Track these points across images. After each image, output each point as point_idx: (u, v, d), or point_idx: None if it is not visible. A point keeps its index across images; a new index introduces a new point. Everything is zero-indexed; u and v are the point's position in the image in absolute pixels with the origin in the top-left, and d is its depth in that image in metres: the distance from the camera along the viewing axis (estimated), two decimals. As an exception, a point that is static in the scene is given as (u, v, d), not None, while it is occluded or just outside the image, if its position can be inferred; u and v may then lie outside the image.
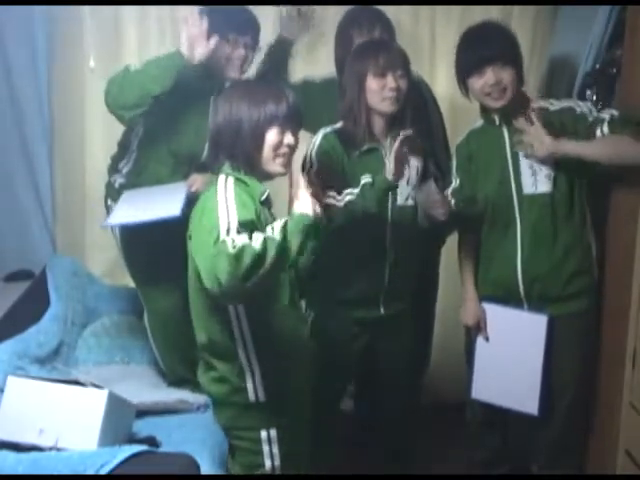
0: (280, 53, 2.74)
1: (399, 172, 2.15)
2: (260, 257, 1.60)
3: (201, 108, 2.44)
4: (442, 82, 3.12)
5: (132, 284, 2.81)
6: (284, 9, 2.77)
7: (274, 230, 1.69)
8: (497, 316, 2.39)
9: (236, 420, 1.91)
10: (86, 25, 3.03)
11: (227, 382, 1.87)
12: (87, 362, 2.63)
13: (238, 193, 1.78)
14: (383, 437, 2.58)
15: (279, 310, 1.86)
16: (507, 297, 2.36)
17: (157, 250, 2.48)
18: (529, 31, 3.05)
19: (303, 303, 2.32)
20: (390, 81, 2.20)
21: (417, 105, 2.41)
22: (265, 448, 1.89)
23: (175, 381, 2.61)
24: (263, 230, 1.75)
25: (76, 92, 3.04)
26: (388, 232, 2.30)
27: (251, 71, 2.59)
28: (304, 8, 2.73)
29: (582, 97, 2.62)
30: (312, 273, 2.17)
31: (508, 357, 2.38)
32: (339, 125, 2.32)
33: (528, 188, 2.27)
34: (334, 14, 2.99)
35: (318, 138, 2.31)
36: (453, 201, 2.39)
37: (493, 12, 2.98)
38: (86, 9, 3.01)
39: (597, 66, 2.62)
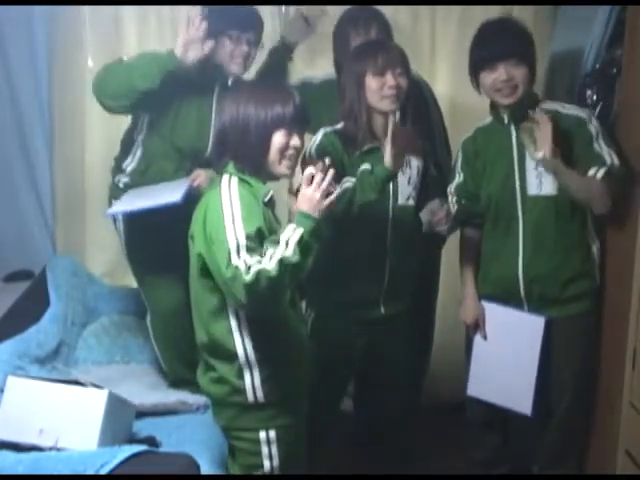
0: (281, 55, 2.74)
1: (397, 161, 2.14)
2: (277, 281, 1.67)
3: (203, 103, 2.46)
4: (442, 81, 3.13)
5: (132, 284, 2.81)
6: (290, 13, 2.77)
7: (288, 246, 1.70)
8: (496, 315, 2.39)
9: (235, 421, 1.91)
10: (86, 25, 3.03)
11: (226, 383, 1.87)
12: (87, 362, 2.63)
13: (242, 195, 1.78)
14: (383, 437, 2.58)
15: (279, 311, 1.85)
16: (507, 297, 2.36)
17: (160, 250, 2.48)
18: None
19: (303, 303, 2.34)
20: (389, 79, 2.19)
21: (417, 104, 2.42)
22: (264, 449, 1.89)
23: (176, 381, 2.61)
24: (271, 232, 1.77)
25: (76, 92, 3.04)
26: (389, 232, 2.30)
27: (252, 69, 2.60)
28: (311, 15, 2.73)
29: (582, 97, 2.62)
30: (312, 273, 2.19)
31: (505, 356, 2.38)
32: (340, 125, 2.32)
33: (533, 189, 2.26)
34: (332, 14, 3.00)
35: (318, 136, 2.30)
36: (455, 197, 2.39)
37: (493, 12, 2.97)
38: (86, 9, 3.01)
39: (597, 66, 2.61)
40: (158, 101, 2.41)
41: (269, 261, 1.67)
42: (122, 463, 1.72)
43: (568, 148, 2.21)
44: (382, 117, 2.25)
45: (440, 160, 2.64)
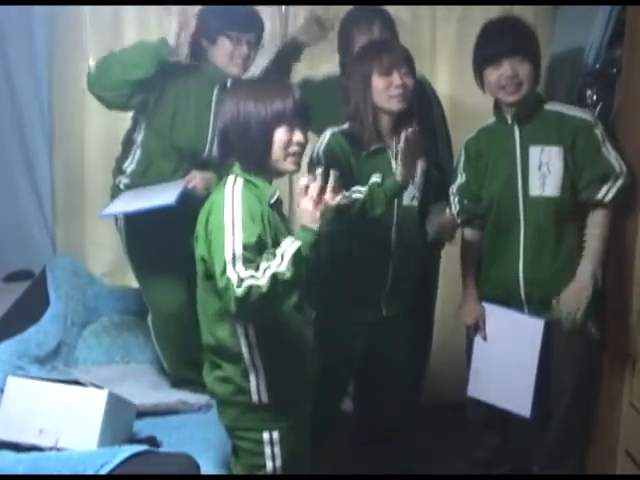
0: (290, 56, 2.74)
1: (408, 174, 2.15)
2: (268, 296, 1.66)
3: (202, 103, 2.46)
4: (442, 81, 3.13)
5: (132, 284, 2.81)
6: (304, 15, 2.76)
7: (283, 260, 1.68)
8: (496, 316, 2.39)
9: (239, 420, 1.90)
10: (86, 25, 3.03)
11: (232, 382, 1.86)
12: (87, 362, 2.63)
13: (246, 199, 1.76)
14: (383, 437, 2.58)
15: (285, 313, 1.84)
16: (508, 299, 2.36)
17: (161, 250, 2.48)
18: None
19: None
20: (396, 79, 2.19)
21: (422, 103, 2.42)
22: (267, 450, 1.88)
23: (177, 381, 2.61)
24: (277, 235, 1.77)
25: (76, 92, 3.04)
26: (393, 232, 2.30)
27: (257, 70, 2.59)
28: (326, 19, 2.72)
29: (582, 97, 2.62)
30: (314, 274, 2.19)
31: (504, 358, 2.38)
32: (346, 126, 2.31)
33: (535, 190, 2.26)
34: (335, 12, 3.00)
35: (326, 137, 2.30)
36: (457, 198, 2.39)
37: (493, 12, 2.97)
38: (86, 9, 3.01)
39: (597, 66, 2.61)
40: (157, 101, 2.42)
41: (262, 276, 1.66)
42: (122, 463, 1.71)
43: (573, 151, 2.22)
44: (388, 117, 2.27)
45: (442, 160, 2.64)
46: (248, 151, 1.82)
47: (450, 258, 2.68)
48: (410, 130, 2.11)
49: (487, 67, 2.25)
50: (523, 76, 2.21)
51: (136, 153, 2.53)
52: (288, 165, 1.84)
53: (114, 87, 2.36)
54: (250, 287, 1.64)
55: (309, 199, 1.76)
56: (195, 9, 2.35)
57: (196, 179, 2.40)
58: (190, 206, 2.25)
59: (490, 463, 2.57)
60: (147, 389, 2.49)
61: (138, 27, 3.05)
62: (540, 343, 2.29)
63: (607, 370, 2.44)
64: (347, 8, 2.73)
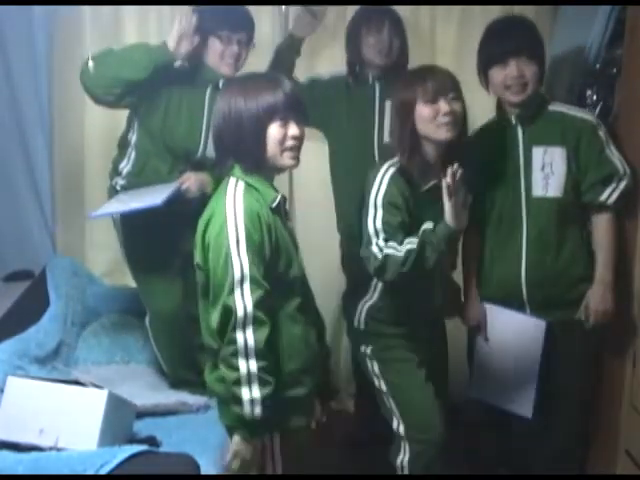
0: (289, 51, 2.74)
1: (461, 215, 2.01)
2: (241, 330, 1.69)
3: (194, 104, 2.46)
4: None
5: (132, 284, 2.81)
6: (296, 9, 2.77)
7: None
8: (497, 317, 2.39)
9: (239, 420, 1.89)
10: (86, 25, 3.03)
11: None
12: (87, 362, 2.63)
13: (248, 205, 1.73)
14: (383, 437, 2.57)
15: (287, 315, 1.81)
16: (509, 299, 2.35)
17: (158, 251, 2.49)
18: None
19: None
20: (443, 106, 2.04)
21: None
22: (267, 450, 1.86)
23: (176, 382, 2.61)
24: (278, 241, 1.75)
25: (76, 92, 3.03)
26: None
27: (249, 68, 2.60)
28: (318, 8, 2.73)
29: (582, 97, 2.62)
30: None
31: (506, 358, 2.38)
32: (395, 160, 2.14)
33: (538, 191, 2.25)
34: (336, 11, 3.01)
35: (384, 181, 2.11)
36: None
37: (493, 12, 2.97)
38: (86, 9, 3.01)
39: (597, 66, 2.61)
40: (147, 100, 2.42)
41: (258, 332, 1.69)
42: (122, 463, 1.71)
43: (577, 152, 2.22)
44: (437, 147, 2.11)
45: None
46: (243, 150, 1.77)
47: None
48: (455, 168, 1.97)
49: (493, 67, 2.24)
50: (529, 76, 2.20)
51: (131, 154, 2.53)
52: (286, 160, 1.80)
53: (106, 84, 2.36)
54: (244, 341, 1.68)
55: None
56: (193, 16, 2.35)
57: (190, 180, 2.40)
58: (186, 206, 2.26)
59: (490, 463, 2.57)
60: (147, 390, 2.48)
61: (138, 27, 3.05)
62: (542, 344, 2.29)
63: (607, 370, 2.44)
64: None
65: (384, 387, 2.24)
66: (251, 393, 1.69)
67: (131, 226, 2.51)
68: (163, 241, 2.44)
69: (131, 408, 2.08)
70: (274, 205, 1.80)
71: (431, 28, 3.12)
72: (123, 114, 2.59)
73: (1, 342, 2.23)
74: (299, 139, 1.80)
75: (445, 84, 2.08)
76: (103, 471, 1.68)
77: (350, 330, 2.34)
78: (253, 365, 1.68)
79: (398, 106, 2.14)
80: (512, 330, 2.35)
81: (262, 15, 2.93)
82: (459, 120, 2.08)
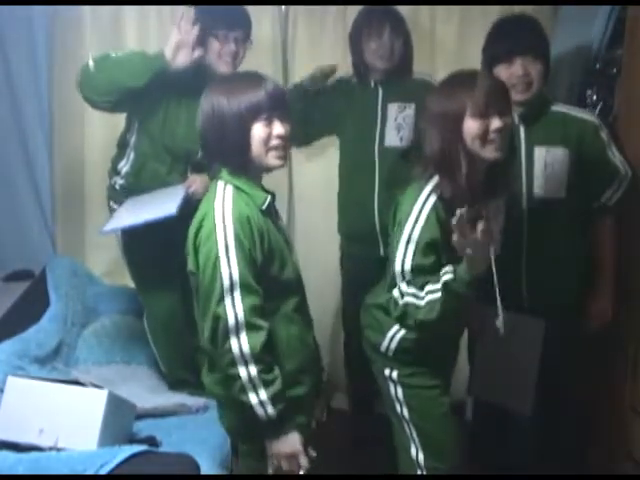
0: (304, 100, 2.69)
1: (480, 262, 1.77)
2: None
3: (192, 104, 2.44)
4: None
5: (132, 284, 2.81)
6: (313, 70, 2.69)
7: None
8: (497, 317, 2.39)
9: (240, 423, 1.85)
10: (86, 25, 3.03)
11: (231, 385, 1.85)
12: (87, 362, 2.63)
13: (237, 209, 1.70)
14: (383, 437, 2.57)
15: (284, 316, 1.80)
16: (509, 299, 2.35)
17: (158, 253, 2.49)
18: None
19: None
20: (495, 121, 1.80)
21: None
22: (269, 451, 1.86)
23: (175, 382, 2.61)
24: (270, 243, 1.73)
25: (76, 92, 3.03)
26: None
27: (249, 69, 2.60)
28: (329, 66, 2.67)
29: (582, 97, 2.62)
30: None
31: (505, 358, 2.38)
32: (435, 183, 1.86)
33: (539, 192, 2.25)
34: (335, 12, 3.01)
35: (424, 211, 1.84)
36: None
37: (493, 12, 2.97)
38: (86, 9, 3.01)
39: (597, 66, 2.61)
40: (146, 102, 2.42)
41: (256, 336, 1.68)
42: (122, 463, 1.72)
43: (579, 153, 2.22)
44: (484, 167, 1.86)
45: None
46: (227, 150, 1.74)
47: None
48: (486, 218, 1.73)
49: (498, 65, 2.22)
50: (534, 75, 2.20)
51: (130, 155, 2.53)
52: (271, 160, 1.75)
53: (103, 92, 2.35)
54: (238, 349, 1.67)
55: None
56: (193, 27, 2.34)
57: (196, 183, 2.40)
58: (187, 209, 2.27)
59: (490, 463, 2.57)
60: (146, 392, 2.48)
61: (138, 27, 3.05)
62: (541, 344, 2.29)
63: (607, 371, 2.44)
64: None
65: (406, 413, 2.08)
66: (258, 396, 1.69)
67: (130, 231, 2.51)
68: (162, 242, 2.44)
69: (131, 408, 2.08)
70: (264, 207, 1.77)
71: (431, 28, 3.12)
72: (123, 114, 2.59)
73: (1, 342, 2.23)
74: (284, 138, 1.76)
75: (498, 94, 1.83)
76: (103, 471, 1.68)
77: (372, 349, 2.13)
78: (253, 370, 1.67)
79: (442, 121, 1.83)
80: (512, 330, 2.35)
81: (262, 15, 2.94)
82: (507, 138, 1.85)
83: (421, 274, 1.84)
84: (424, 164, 1.88)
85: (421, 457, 2.09)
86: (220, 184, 1.76)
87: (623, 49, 2.41)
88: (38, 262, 2.98)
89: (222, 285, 1.66)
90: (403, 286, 1.88)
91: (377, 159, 2.62)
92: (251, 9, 2.51)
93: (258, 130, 1.72)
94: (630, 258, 2.30)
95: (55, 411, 1.90)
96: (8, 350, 2.21)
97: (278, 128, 1.74)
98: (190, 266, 1.76)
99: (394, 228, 1.92)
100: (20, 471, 1.69)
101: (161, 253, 2.47)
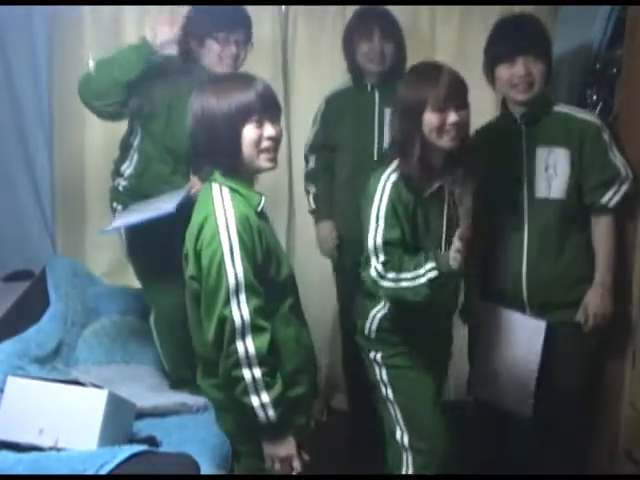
0: None
1: (462, 260, 1.92)
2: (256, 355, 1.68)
3: None
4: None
5: (132, 284, 2.82)
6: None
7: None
8: (497, 316, 2.39)
9: (238, 425, 1.86)
10: (86, 25, 3.03)
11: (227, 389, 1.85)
12: (87, 362, 2.63)
13: (238, 210, 1.70)
14: (383, 437, 2.57)
15: (281, 317, 1.80)
16: (510, 299, 2.35)
17: (163, 251, 2.48)
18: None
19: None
20: (451, 116, 1.96)
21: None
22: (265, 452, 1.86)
23: (177, 382, 2.61)
24: (266, 245, 1.73)
25: (76, 92, 3.03)
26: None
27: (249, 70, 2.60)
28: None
29: (582, 97, 2.62)
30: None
31: (505, 358, 2.38)
32: (395, 166, 2.06)
33: (541, 192, 2.24)
34: (335, 12, 3.01)
35: (386, 190, 2.03)
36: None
37: (493, 12, 2.97)
38: (86, 9, 3.01)
39: (597, 66, 2.61)
40: (149, 105, 2.42)
41: (259, 339, 1.68)
42: (122, 463, 1.71)
43: (581, 154, 2.21)
44: (440, 153, 2.03)
45: None
46: (218, 152, 1.72)
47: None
48: (467, 225, 1.89)
49: (500, 64, 2.22)
50: (536, 75, 2.19)
51: (134, 157, 2.54)
52: (262, 162, 1.75)
53: (103, 95, 2.36)
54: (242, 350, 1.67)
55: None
56: (182, 10, 2.35)
57: (197, 185, 2.40)
58: (189, 209, 2.27)
59: (490, 463, 2.57)
60: (147, 391, 2.48)
61: (138, 27, 3.04)
62: (541, 344, 2.29)
63: (607, 370, 2.44)
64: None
65: (390, 394, 2.18)
66: (260, 399, 1.69)
67: (135, 229, 2.51)
68: (167, 242, 2.43)
69: (131, 408, 2.08)
70: (259, 209, 1.77)
71: (431, 29, 3.12)
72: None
73: (1, 342, 2.23)
74: (275, 140, 1.75)
75: (457, 90, 1.98)
76: (103, 471, 1.68)
77: (359, 335, 2.25)
78: (257, 372, 1.68)
79: (404, 110, 2.02)
80: (512, 330, 2.35)
81: (262, 16, 2.94)
82: (464, 129, 2.02)
83: (392, 248, 2.00)
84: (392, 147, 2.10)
85: (406, 439, 2.17)
86: (215, 186, 1.75)
87: (623, 49, 2.41)
88: (38, 262, 2.98)
89: (228, 287, 1.66)
90: (380, 267, 2.00)
91: (375, 162, 2.62)
92: (251, 9, 2.50)
93: (249, 132, 1.71)
94: (630, 258, 2.30)
95: (55, 411, 1.90)
96: (8, 350, 2.21)
97: (269, 130, 1.73)
98: (191, 271, 1.75)
99: (364, 208, 2.06)
100: (20, 471, 1.69)
101: (166, 253, 2.47)
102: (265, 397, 1.69)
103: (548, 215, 2.25)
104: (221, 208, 1.70)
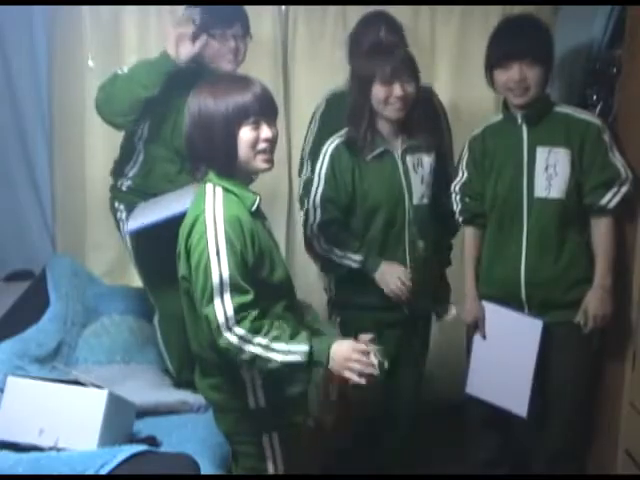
0: None
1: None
2: (240, 354, 1.69)
3: None
4: (442, 82, 3.12)
5: (132, 284, 2.81)
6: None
7: (283, 355, 1.69)
8: (495, 316, 2.39)
9: (237, 426, 1.88)
10: (86, 25, 3.03)
11: (226, 389, 1.85)
12: (87, 362, 2.63)
13: (228, 211, 1.70)
14: (383, 437, 2.58)
15: (277, 317, 1.80)
16: (508, 299, 2.35)
17: (168, 251, 2.47)
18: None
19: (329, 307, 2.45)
20: (397, 90, 2.20)
21: (427, 113, 2.42)
22: (268, 452, 1.86)
23: (180, 383, 2.60)
24: (260, 244, 1.73)
25: (76, 92, 3.04)
26: (407, 233, 2.33)
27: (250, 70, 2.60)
28: None
29: (582, 97, 2.62)
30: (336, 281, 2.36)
31: (503, 357, 2.38)
32: (342, 133, 2.33)
33: (540, 191, 2.24)
34: (335, 12, 3.01)
35: (326, 154, 2.32)
36: (459, 196, 2.39)
37: (493, 12, 2.97)
38: (86, 9, 3.01)
39: (597, 66, 2.61)
40: (159, 107, 2.42)
41: (252, 343, 1.68)
42: (122, 463, 1.71)
43: (581, 154, 2.22)
44: (389, 122, 2.28)
45: (447, 165, 2.63)
46: (214, 153, 1.73)
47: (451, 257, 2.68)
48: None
49: (497, 68, 2.23)
50: (531, 80, 2.19)
51: (139, 157, 2.54)
52: (259, 164, 1.76)
53: (125, 112, 2.37)
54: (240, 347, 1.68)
55: (356, 360, 1.71)
56: (188, 18, 2.34)
57: None
58: None
59: (490, 463, 2.57)
60: (148, 389, 2.48)
61: (138, 27, 3.05)
62: (539, 343, 2.29)
63: (607, 370, 2.44)
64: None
65: None
66: (280, 351, 1.69)
67: (141, 233, 2.50)
68: (172, 242, 2.43)
69: (131, 408, 2.08)
70: (254, 209, 1.77)
71: (431, 29, 3.12)
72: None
73: (1, 342, 2.23)
74: (272, 141, 1.76)
75: (402, 67, 2.21)
76: (103, 471, 1.68)
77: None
78: (261, 340, 1.68)
79: (356, 81, 2.29)
80: (510, 329, 2.35)
81: (262, 15, 2.94)
82: (410, 102, 2.23)
83: (330, 207, 2.31)
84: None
85: None
86: (209, 186, 1.75)
87: (623, 49, 2.41)
88: (38, 262, 2.98)
89: (212, 286, 1.66)
90: (323, 243, 2.36)
91: None
92: (251, 9, 2.51)
93: (245, 133, 1.72)
94: (629, 259, 2.30)
95: (55, 411, 1.90)
96: (8, 350, 2.20)
97: (266, 132, 1.74)
98: (182, 271, 1.76)
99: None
100: (20, 471, 1.69)
101: (171, 252, 2.46)
102: (282, 346, 1.69)
103: (547, 215, 2.25)
104: (211, 208, 1.71)
